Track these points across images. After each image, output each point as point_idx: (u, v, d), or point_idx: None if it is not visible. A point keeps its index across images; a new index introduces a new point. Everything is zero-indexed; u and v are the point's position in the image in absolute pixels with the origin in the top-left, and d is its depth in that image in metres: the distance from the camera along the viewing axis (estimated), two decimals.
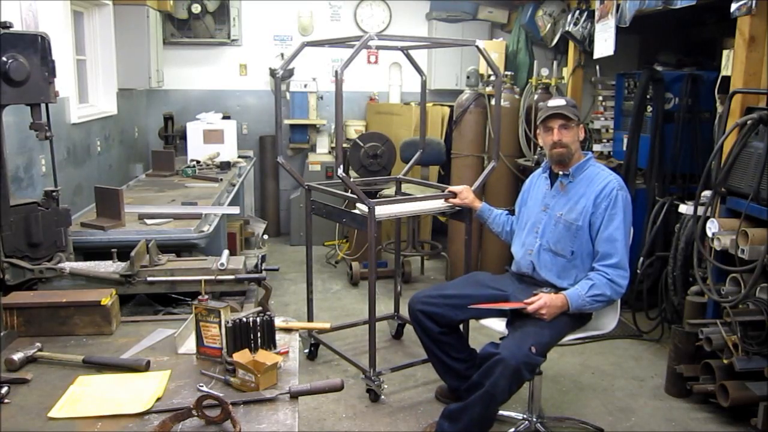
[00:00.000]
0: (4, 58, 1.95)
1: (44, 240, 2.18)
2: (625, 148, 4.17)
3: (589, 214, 2.53)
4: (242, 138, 5.95)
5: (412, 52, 3.74)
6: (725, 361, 2.82)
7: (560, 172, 2.66)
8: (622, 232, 2.48)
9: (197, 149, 4.72)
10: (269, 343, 1.68)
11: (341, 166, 2.89)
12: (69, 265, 2.16)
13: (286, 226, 6.26)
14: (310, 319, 3.58)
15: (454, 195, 3.12)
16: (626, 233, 2.52)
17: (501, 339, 2.51)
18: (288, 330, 1.86)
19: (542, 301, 2.46)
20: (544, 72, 4.78)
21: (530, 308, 2.46)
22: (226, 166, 4.48)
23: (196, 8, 5.67)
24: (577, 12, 4.47)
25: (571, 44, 4.74)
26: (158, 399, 1.48)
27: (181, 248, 2.68)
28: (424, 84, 3.75)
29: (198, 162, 4.51)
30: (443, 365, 2.83)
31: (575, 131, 2.60)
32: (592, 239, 2.55)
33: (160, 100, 6.08)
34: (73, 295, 1.91)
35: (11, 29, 2.03)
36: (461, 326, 2.96)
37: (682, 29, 5.04)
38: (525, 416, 2.84)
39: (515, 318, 2.55)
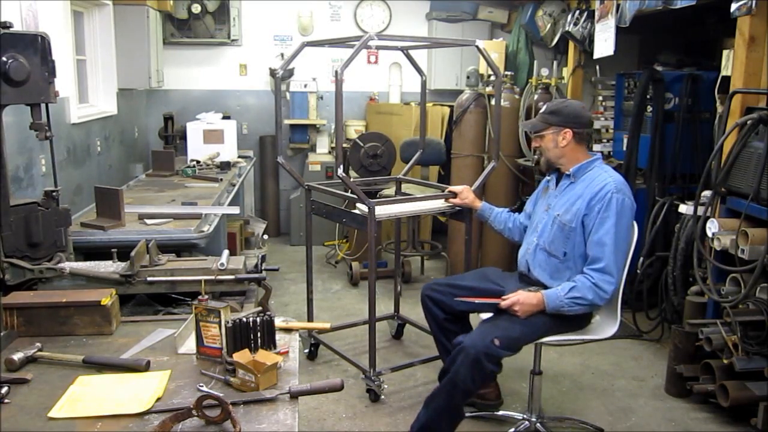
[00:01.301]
0: (4, 58, 1.95)
1: (44, 240, 2.18)
2: (625, 148, 4.17)
3: (582, 216, 2.51)
4: (242, 138, 5.96)
5: (412, 52, 3.74)
6: (725, 361, 2.82)
7: (564, 173, 2.66)
8: (611, 237, 2.44)
9: (197, 149, 4.71)
10: (269, 343, 1.68)
11: (341, 166, 2.90)
12: (69, 265, 2.16)
13: (286, 226, 6.26)
14: (310, 319, 3.58)
15: (454, 195, 3.14)
16: (618, 238, 2.45)
17: None
18: (288, 330, 1.86)
19: (516, 297, 2.49)
20: (544, 72, 4.79)
21: (503, 304, 2.51)
22: (226, 166, 4.48)
23: (196, 8, 5.67)
24: (577, 12, 4.47)
25: (571, 44, 4.74)
26: (158, 399, 1.48)
27: (181, 248, 2.68)
28: (424, 84, 3.75)
29: (198, 162, 4.51)
30: (447, 352, 2.85)
31: (551, 137, 2.60)
32: (585, 241, 2.54)
33: (160, 100, 6.08)
34: (73, 295, 1.91)
35: (11, 29, 2.03)
36: (468, 317, 2.96)
37: (682, 29, 5.04)
38: (525, 416, 2.84)
39: (497, 312, 2.59)
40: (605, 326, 2.67)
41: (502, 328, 2.45)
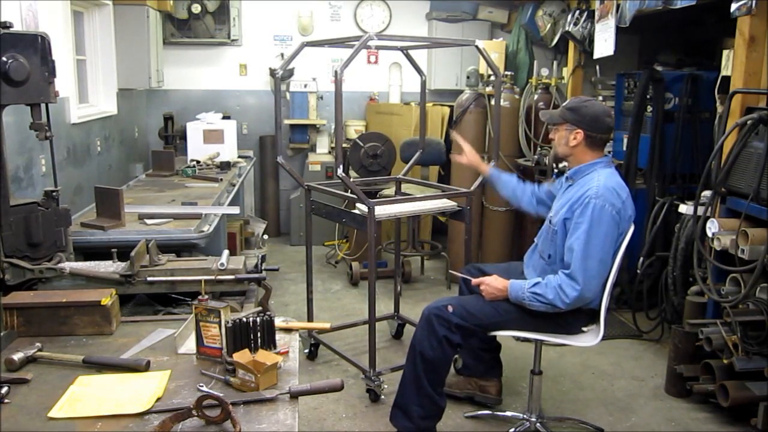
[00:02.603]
0: (4, 58, 1.95)
1: (44, 240, 2.18)
2: (625, 148, 4.17)
3: (563, 219, 2.50)
4: (242, 138, 5.95)
5: (412, 52, 3.74)
6: (725, 361, 2.82)
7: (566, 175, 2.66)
8: (581, 243, 2.39)
9: (197, 149, 4.71)
10: (269, 343, 1.68)
11: (341, 166, 2.89)
12: (69, 265, 2.16)
13: (286, 226, 6.26)
14: (310, 319, 3.58)
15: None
16: (589, 245, 2.38)
17: None
18: (288, 330, 1.86)
19: (484, 278, 2.60)
20: (544, 72, 4.78)
21: (473, 281, 2.64)
22: (226, 166, 4.48)
23: (196, 8, 5.67)
24: (577, 12, 4.47)
25: (571, 44, 4.74)
26: (158, 399, 1.48)
27: (181, 248, 2.68)
28: (424, 84, 3.75)
29: (198, 162, 4.51)
30: None
31: (563, 134, 2.57)
32: None
33: (160, 100, 6.08)
34: (73, 295, 1.91)
35: (11, 29, 2.03)
36: None
37: (682, 29, 5.05)
38: (525, 416, 2.84)
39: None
40: (586, 335, 2.61)
41: (460, 300, 2.64)
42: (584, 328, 2.63)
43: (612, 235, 2.43)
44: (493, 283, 2.55)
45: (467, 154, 3.14)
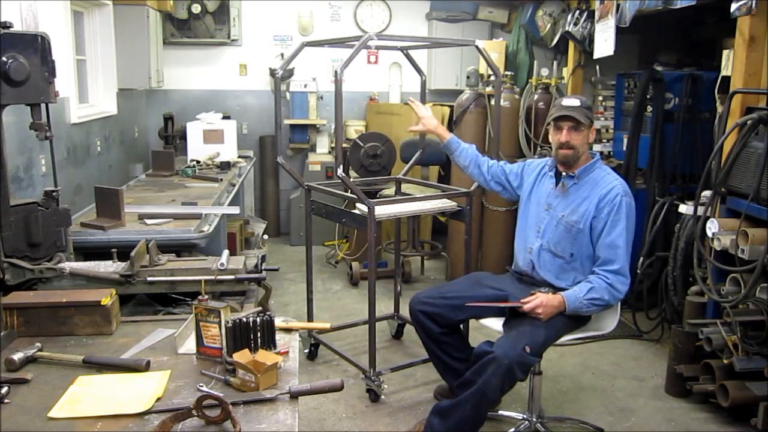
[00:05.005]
0: (4, 58, 1.95)
1: (44, 240, 2.18)
2: (625, 148, 4.17)
3: (591, 218, 2.51)
4: (242, 138, 5.95)
5: (412, 52, 3.74)
6: (725, 361, 2.82)
7: (566, 173, 2.63)
8: (624, 239, 2.47)
9: (197, 149, 4.71)
10: (269, 343, 1.68)
11: (341, 166, 2.90)
12: (69, 265, 2.16)
13: (286, 226, 6.26)
14: (310, 319, 3.58)
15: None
16: (628, 240, 2.49)
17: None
18: (288, 330, 1.86)
19: (538, 300, 2.46)
20: (544, 72, 4.79)
21: (526, 307, 2.46)
22: (226, 166, 4.48)
23: (196, 8, 5.68)
24: (577, 12, 4.47)
25: (571, 44, 4.74)
26: (158, 399, 1.48)
27: (181, 248, 2.68)
28: (424, 84, 3.75)
29: (198, 162, 4.51)
30: (444, 365, 2.82)
31: (585, 134, 2.56)
32: (592, 243, 2.54)
33: (160, 100, 6.08)
34: (73, 295, 1.91)
35: (11, 29, 2.03)
36: (461, 326, 2.95)
37: (682, 29, 5.04)
38: (525, 416, 2.84)
39: (512, 317, 2.56)
40: (605, 321, 2.69)
41: (529, 334, 2.40)
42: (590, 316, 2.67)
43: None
44: (549, 303, 2.46)
45: (423, 120, 2.93)
